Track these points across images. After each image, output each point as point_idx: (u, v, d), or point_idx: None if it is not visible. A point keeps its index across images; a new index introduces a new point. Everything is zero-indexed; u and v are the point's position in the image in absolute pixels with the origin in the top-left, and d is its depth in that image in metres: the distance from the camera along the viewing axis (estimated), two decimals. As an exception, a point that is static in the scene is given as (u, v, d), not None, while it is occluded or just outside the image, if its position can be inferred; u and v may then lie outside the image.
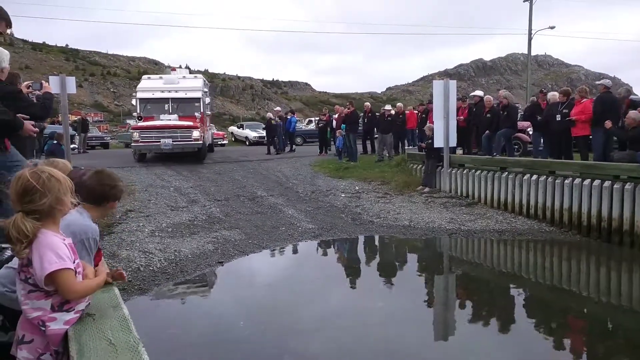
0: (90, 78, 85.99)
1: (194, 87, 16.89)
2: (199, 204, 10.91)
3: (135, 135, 15.40)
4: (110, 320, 2.03)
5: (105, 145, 27.01)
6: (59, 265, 1.86)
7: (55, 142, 11.61)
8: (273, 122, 19.72)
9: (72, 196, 1.99)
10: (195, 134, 15.47)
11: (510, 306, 6.40)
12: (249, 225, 9.55)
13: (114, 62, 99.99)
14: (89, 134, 24.45)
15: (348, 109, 17.06)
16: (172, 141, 15.15)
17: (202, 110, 16.69)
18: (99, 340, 1.86)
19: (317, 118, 31.48)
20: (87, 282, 2.05)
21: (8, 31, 4.10)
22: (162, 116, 15.83)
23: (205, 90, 17.44)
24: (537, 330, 5.60)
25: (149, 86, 16.72)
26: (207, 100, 17.04)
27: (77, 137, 21.56)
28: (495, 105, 12.33)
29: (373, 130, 17.79)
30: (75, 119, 25.43)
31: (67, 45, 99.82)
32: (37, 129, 4.53)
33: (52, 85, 10.22)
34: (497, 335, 5.50)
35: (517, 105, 13.22)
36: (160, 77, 17.43)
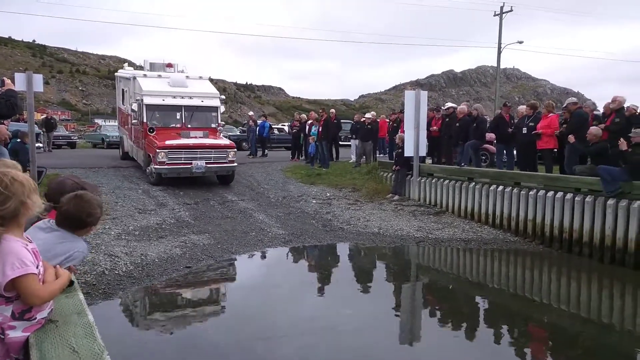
0: (57, 75, 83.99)
1: (210, 93, 14.52)
2: (168, 207, 10.76)
3: (161, 156, 12.30)
4: (74, 327, 1.99)
5: (72, 145, 26.27)
6: (22, 271, 1.83)
7: (18, 140, 11.26)
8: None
9: (37, 197, 1.95)
10: (232, 154, 13.21)
11: (475, 313, 6.54)
12: (219, 230, 9.47)
13: (83, 60, 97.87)
14: (56, 133, 23.78)
15: (321, 116, 17.17)
16: (205, 163, 12.75)
17: (219, 122, 14.52)
18: (61, 347, 1.82)
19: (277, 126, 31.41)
20: (50, 286, 2.00)
21: None
22: (191, 133, 13.28)
23: (223, 97, 15.15)
24: (501, 337, 5.74)
25: (156, 89, 13.66)
26: (223, 109, 14.75)
27: (42, 135, 20.95)
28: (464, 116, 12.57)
29: (337, 136, 18.24)
30: (41, 117, 24.65)
31: (34, 40, 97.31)
32: (9, 133, 4.37)
33: (18, 82, 9.95)
34: (462, 341, 5.61)
35: (486, 117, 13.53)
36: (159, 75, 14.47)
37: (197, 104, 13.95)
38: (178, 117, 13.82)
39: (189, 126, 13.65)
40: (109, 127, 28.44)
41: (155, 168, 12.52)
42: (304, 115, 20.88)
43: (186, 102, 13.80)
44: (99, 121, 35.98)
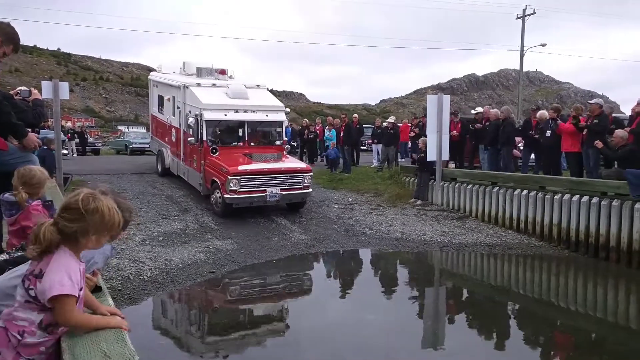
0: (81, 83, 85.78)
1: (274, 106, 12.49)
2: (191, 213, 10.86)
3: (233, 183, 10.22)
4: (105, 332, 2.01)
5: (96, 152, 26.78)
6: (67, 289, 1.81)
7: (45, 147, 11.50)
8: None
9: (105, 239, 1.94)
10: (307, 178, 11.22)
11: (500, 319, 6.44)
12: (242, 235, 9.52)
13: (106, 67, 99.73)
14: (77, 140, 24.30)
15: (343, 121, 17.30)
16: (280, 190, 10.74)
17: (284, 138, 12.62)
18: (93, 352, 1.83)
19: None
20: (86, 317, 1.97)
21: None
22: (264, 155, 11.44)
23: (288, 110, 13.20)
24: (526, 343, 5.64)
25: (216, 102, 11.64)
26: (286, 123, 13.01)
27: (67, 142, 21.41)
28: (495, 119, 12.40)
29: (359, 141, 18.42)
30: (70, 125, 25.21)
31: (58, 49, 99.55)
32: (39, 141, 4.43)
33: (45, 90, 10.22)
34: (486, 347, 5.53)
35: (512, 119, 13.30)
36: (214, 84, 12.47)
37: (261, 119, 12.03)
38: (240, 133, 11.91)
39: (252, 144, 11.91)
40: (132, 134, 28.96)
41: (224, 197, 10.42)
42: (306, 120, 21.55)
43: (249, 116, 11.80)
44: (122, 128, 36.54)
